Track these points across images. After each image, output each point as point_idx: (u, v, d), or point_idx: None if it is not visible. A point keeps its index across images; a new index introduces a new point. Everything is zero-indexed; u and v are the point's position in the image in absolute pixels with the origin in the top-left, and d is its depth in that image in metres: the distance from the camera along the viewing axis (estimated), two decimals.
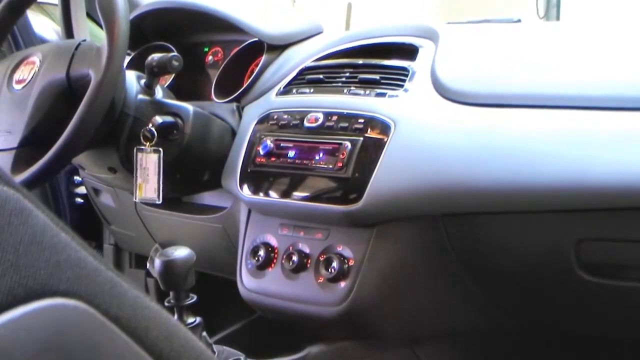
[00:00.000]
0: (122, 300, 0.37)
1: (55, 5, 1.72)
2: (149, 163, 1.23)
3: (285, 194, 1.18)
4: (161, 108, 1.26)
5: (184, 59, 1.24)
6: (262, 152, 1.21)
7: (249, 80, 1.36)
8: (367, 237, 1.12)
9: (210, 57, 1.56)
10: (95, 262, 0.37)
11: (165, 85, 1.45)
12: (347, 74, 1.25)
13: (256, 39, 1.41)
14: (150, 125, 1.22)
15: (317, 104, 1.22)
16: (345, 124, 1.15)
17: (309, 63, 1.33)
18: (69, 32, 1.51)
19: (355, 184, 1.09)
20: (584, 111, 0.99)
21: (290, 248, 1.19)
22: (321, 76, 1.27)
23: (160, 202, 1.24)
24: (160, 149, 1.23)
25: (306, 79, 1.29)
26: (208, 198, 1.48)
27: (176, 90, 1.40)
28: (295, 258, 1.17)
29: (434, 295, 1.16)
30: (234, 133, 1.32)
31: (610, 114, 0.97)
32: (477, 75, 1.12)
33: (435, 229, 1.08)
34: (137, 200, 1.26)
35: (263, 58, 1.38)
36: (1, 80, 1.28)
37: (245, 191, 1.22)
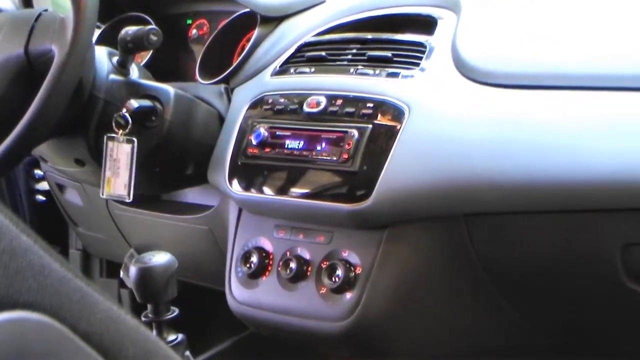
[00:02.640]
0: (92, 313, 0.37)
1: None
2: (121, 154, 1.23)
3: (282, 190, 1.18)
4: (137, 90, 1.26)
5: (164, 32, 1.24)
6: (254, 142, 1.21)
7: (240, 58, 1.36)
8: (377, 240, 1.12)
9: (194, 31, 1.56)
10: (61, 269, 0.37)
11: (142, 64, 1.45)
12: (354, 51, 1.25)
13: (248, 10, 1.41)
14: (124, 110, 1.22)
15: (319, 85, 1.22)
16: (351, 109, 1.15)
17: (309, 38, 1.33)
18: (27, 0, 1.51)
19: (363, 178, 1.09)
20: (634, 93, 0.98)
21: (288, 253, 1.19)
22: (323, 53, 1.27)
23: (130, 200, 1.24)
24: (135, 139, 1.22)
25: (306, 56, 1.28)
26: (192, 195, 1.48)
27: (154, 69, 1.39)
28: (293, 265, 1.17)
29: (454, 309, 1.16)
30: (221, 119, 1.32)
31: None
32: (506, 52, 1.12)
33: (456, 231, 1.08)
34: (103, 196, 1.26)
35: (256, 32, 1.38)
36: None
37: (235, 187, 1.22)
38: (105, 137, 1.23)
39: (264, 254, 1.21)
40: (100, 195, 1.26)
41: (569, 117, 1.00)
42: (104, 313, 0.38)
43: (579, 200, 0.97)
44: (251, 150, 1.22)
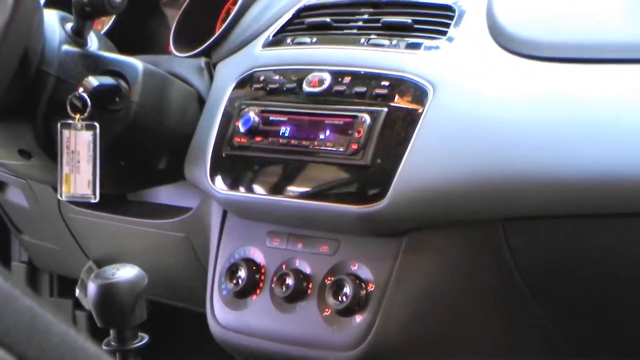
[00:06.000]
0: (44, 339, 0.37)
1: None
2: (80, 144, 1.23)
3: (276, 188, 1.18)
4: (96, 64, 1.26)
5: None
6: (242, 129, 1.21)
7: (224, 25, 1.36)
8: (393, 250, 1.12)
9: None
10: (5, 285, 0.37)
11: (103, 32, 1.44)
12: (366, 16, 1.25)
13: None
14: (82, 89, 1.22)
15: (322, 59, 1.22)
16: (362, 89, 1.15)
17: (310, 0, 1.33)
18: None
19: (376, 174, 1.09)
20: None
21: (284, 267, 1.19)
22: (328, 19, 1.27)
23: (97, 200, 1.24)
24: (96, 124, 1.22)
25: (306, 23, 1.28)
26: (165, 195, 1.48)
27: (118, 39, 1.39)
28: (290, 281, 1.17)
29: (486, 330, 1.17)
30: (202, 101, 1.32)
31: None
32: (554, 17, 1.12)
33: (491, 238, 1.08)
34: (63, 199, 1.25)
35: None
36: None
37: (219, 185, 1.22)
38: (59, 124, 1.23)
39: (254, 268, 1.21)
40: (59, 198, 1.26)
41: (636, 97, 1.00)
42: (58, 339, 0.38)
43: None
44: (238, 140, 1.22)
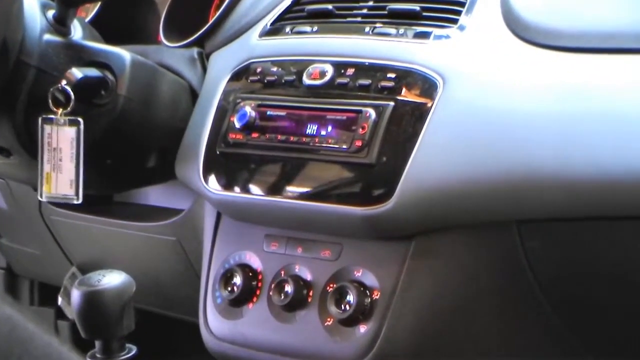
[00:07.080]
0: (26, 351, 0.37)
1: None
2: (63, 141, 1.23)
3: (274, 189, 1.18)
4: (81, 55, 1.26)
5: None
6: (238, 125, 1.21)
7: (218, 13, 1.36)
8: (400, 255, 1.12)
9: None
10: None
11: (87, 20, 1.44)
12: (370, 3, 1.25)
13: None
14: (64, 82, 1.22)
15: (324, 49, 1.22)
16: (366, 81, 1.15)
17: None
18: None
19: (382, 173, 1.09)
20: None
21: (282, 273, 1.19)
22: (330, 6, 1.27)
23: (80, 201, 1.24)
24: (80, 120, 1.22)
25: (307, 10, 1.28)
26: (155, 196, 1.48)
27: (104, 27, 1.39)
28: (289, 288, 1.17)
29: (500, 339, 1.17)
30: (194, 95, 1.32)
31: None
32: (573, 4, 1.12)
33: (505, 241, 1.08)
34: (43, 199, 1.25)
35: None
36: None
37: (213, 184, 1.22)
38: (40, 119, 1.23)
39: (250, 274, 1.21)
40: (39, 198, 1.26)
41: None
42: (40, 350, 0.38)
43: None
44: (233, 136, 1.22)
